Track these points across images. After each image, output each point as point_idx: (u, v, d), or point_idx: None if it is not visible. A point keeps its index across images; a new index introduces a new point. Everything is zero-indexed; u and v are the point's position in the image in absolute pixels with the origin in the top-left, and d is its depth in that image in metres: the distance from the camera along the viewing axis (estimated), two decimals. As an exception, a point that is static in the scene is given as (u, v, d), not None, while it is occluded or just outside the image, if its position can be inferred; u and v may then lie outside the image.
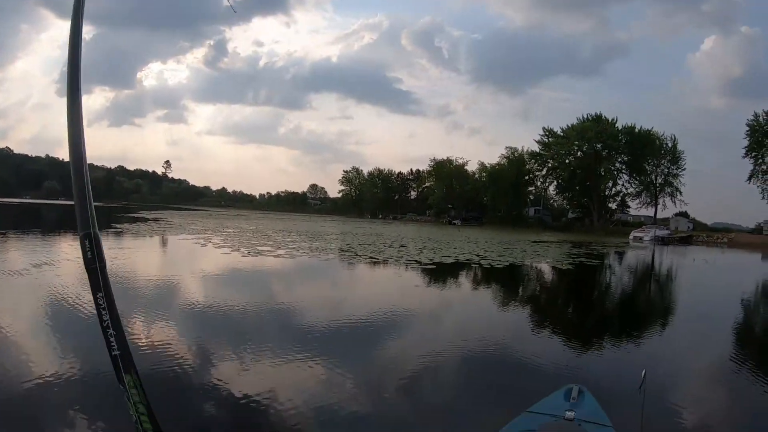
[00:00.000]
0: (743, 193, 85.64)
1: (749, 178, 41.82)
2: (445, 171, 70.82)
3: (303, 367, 4.87)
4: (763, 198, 40.82)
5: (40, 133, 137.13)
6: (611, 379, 4.92)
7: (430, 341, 6.32)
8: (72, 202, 1.23)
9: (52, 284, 8.39)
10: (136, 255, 14.57)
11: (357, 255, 17.42)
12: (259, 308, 7.87)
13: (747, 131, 41.39)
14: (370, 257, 16.79)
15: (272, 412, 3.77)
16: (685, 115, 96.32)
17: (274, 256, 15.10)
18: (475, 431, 3.56)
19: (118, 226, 24.86)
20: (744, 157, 41.79)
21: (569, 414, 2.31)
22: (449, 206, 71.97)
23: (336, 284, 11.80)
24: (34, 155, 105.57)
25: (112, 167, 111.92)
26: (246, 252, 15.67)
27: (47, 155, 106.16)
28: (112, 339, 1.10)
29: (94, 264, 1.12)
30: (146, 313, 6.68)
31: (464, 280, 13.59)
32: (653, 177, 52.94)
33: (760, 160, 41.04)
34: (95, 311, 1.17)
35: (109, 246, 15.48)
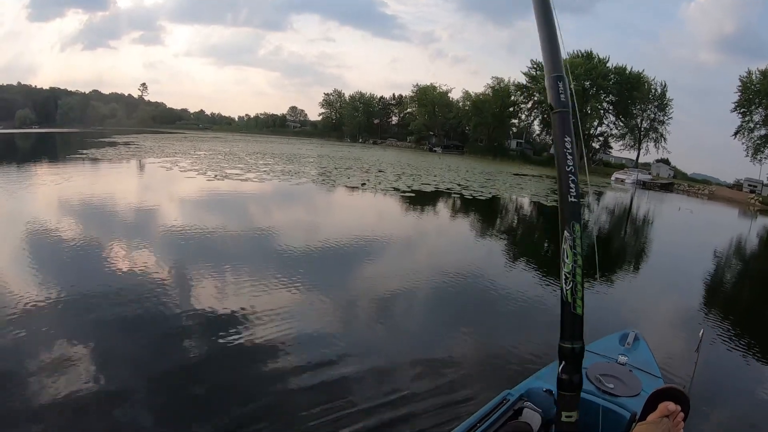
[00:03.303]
0: (723, 147, 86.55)
1: (735, 134, 41.48)
2: (428, 97, 68.09)
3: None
4: (747, 155, 40.59)
5: (12, 62, 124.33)
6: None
7: (406, 275, 5.60)
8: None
9: None
10: (91, 180, 13.41)
11: (331, 179, 16.58)
12: (206, 236, 7.12)
13: (739, 86, 40.66)
14: (345, 183, 15.97)
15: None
16: (672, 65, 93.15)
17: (242, 180, 14.23)
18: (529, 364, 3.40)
19: (84, 151, 22.67)
20: (732, 111, 41.34)
21: (622, 358, 2.38)
22: (430, 133, 70.22)
23: (302, 211, 10.88)
24: (5, 84, 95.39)
25: (87, 92, 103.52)
26: (212, 176, 14.60)
27: (19, 83, 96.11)
28: None
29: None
30: (84, 242, 6.24)
31: (444, 211, 12.87)
32: (639, 121, 52.09)
33: (748, 118, 40.54)
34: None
35: (65, 172, 14.41)
